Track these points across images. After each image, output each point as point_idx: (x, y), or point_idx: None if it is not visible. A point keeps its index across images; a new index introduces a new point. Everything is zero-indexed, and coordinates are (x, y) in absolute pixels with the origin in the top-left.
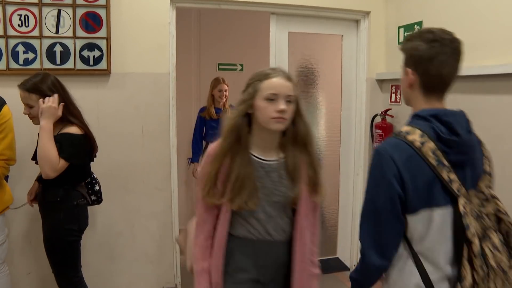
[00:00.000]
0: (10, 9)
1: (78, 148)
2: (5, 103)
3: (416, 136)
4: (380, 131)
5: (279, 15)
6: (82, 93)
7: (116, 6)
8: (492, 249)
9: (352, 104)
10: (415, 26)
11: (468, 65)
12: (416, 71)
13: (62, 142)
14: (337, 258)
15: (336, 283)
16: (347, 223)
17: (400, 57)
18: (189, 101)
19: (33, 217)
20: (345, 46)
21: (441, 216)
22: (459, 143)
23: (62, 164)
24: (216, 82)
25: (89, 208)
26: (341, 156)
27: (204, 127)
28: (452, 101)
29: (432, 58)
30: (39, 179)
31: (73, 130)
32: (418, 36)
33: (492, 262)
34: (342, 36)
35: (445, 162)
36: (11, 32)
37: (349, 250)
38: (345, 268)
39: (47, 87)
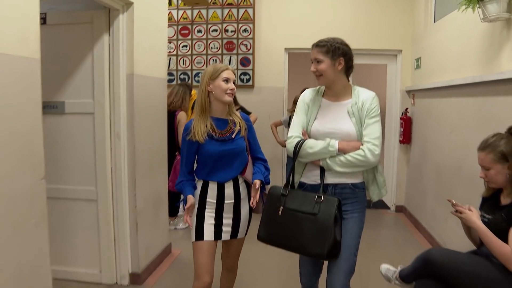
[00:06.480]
0: (208, 57)
1: None
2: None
3: None
4: (402, 121)
5: None
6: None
7: (257, 52)
8: None
9: (392, 105)
10: (419, 59)
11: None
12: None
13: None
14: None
15: (379, 215)
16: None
17: (415, 78)
18: None
19: None
20: (388, 71)
21: None
22: None
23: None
24: None
25: None
26: (385, 131)
27: None
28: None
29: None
30: None
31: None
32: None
33: None
34: (386, 65)
35: None
36: None
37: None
38: (387, 207)
39: None
